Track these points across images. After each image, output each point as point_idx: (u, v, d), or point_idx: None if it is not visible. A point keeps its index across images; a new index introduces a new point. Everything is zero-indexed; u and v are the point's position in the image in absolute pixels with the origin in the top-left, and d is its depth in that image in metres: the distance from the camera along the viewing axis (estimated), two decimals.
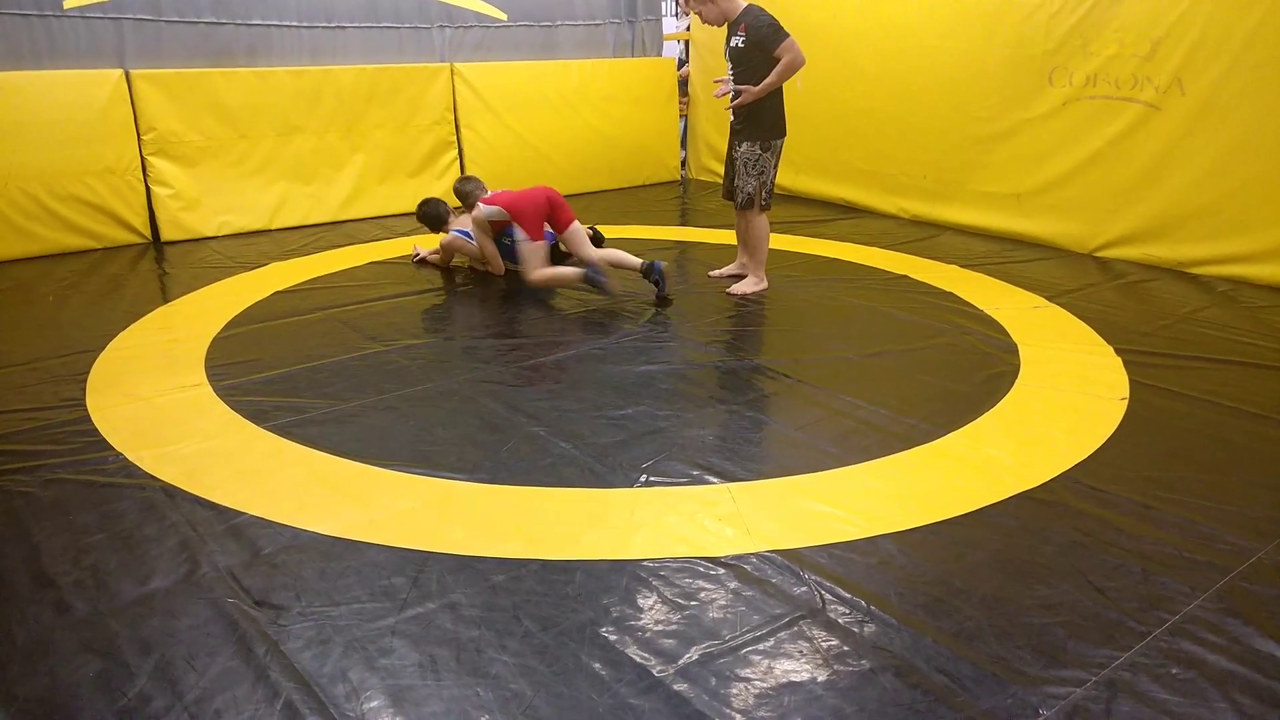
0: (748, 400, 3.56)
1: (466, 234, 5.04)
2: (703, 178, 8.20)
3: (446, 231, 5.18)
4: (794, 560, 2.43)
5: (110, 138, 5.54)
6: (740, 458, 3.04)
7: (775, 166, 4.74)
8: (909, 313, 4.49)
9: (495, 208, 4.70)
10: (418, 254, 5.39)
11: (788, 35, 4.43)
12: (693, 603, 2.26)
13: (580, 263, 4.73)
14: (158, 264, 5.37)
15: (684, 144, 8.33)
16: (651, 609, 2.24)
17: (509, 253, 4.87)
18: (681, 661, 2.05)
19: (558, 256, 4.94)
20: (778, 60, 4.44)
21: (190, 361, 3.80)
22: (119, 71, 5.55)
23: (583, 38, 7.53)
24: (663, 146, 8.01)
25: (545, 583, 2.34)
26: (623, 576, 2.37)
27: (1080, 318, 4.42)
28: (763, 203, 4.73)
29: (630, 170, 7.83)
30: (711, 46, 7.76)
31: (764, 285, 4.83)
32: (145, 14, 5.65)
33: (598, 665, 2.04)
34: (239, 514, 2.65)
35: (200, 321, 4.28)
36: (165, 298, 4.70)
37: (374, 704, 1.93)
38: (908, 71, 6.41)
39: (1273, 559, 2.43)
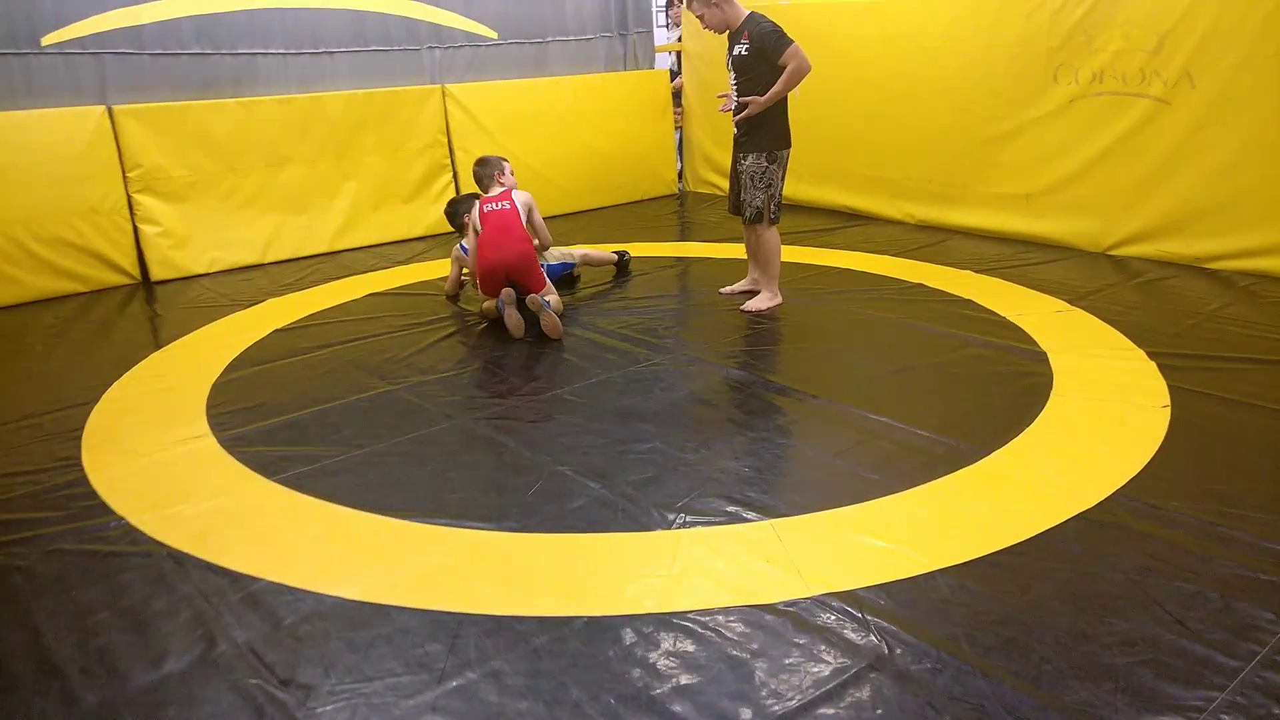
0: (777, 425, 3.42)
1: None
2: (701, 190, 8.08)
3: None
4: (852, 603, 2.29)
5: (94, 176, 5.37)
6: (779, 490, 2.90)
7: (782, 178, 4.61)
8: (930, 323, 4.36)
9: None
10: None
11: (792, 42, 4.31)
12: (752, 658, 2.11)
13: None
14: (148, 305, 5.21)
15: (680, 156, 8.21)
16: (708, 668, 2.09)
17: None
18: None
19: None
20: (782, 68, 4.31)
21: (190, 411, 3.64)
22: (101, 108, 5.39)
23: (574, 53, 7.41)
24: (659, 160, 7.89)
25: (590, 643, 2.19)
26: (673, 632, 2.22)
27: (1104, 321, 4.30)
28: (772, 216, 4.60)
29: (627, 185, 7.70)
30: (705, 57, 7.65)
31: (778, 301, 4.70)
32: (127, 48, 5.50)
33: None
34: (255, 580, 2.50)
35: (198, 366, 4.12)
36: (159, 342, 4.53)
37: None
38: (910, 75, 6.30)
39: None
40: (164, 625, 2.32)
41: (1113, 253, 5.52)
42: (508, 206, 4.56)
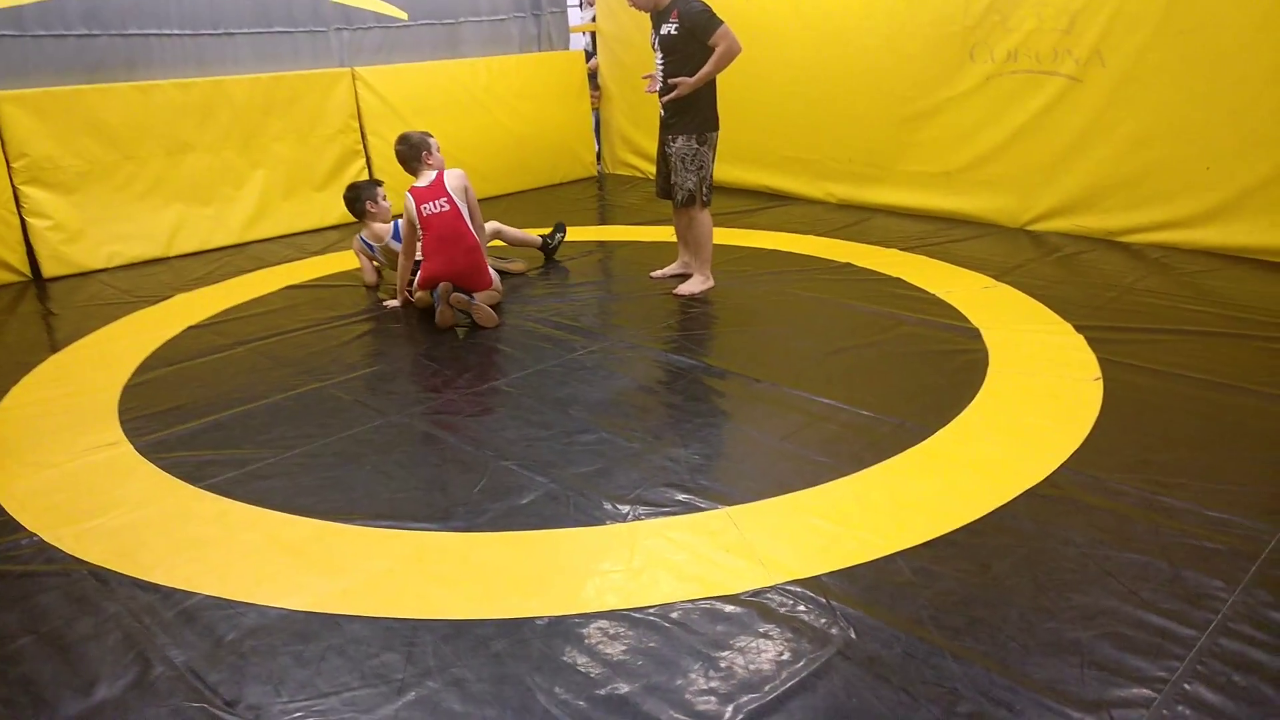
0: (722, 410, 3.40)
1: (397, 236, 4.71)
2: (620, 172, 8.00)
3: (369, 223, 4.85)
4: (816, 590, 2.27)
5: None
6: (730, 476, 2.87)
7: (712, 160, 4.58)
8: (862, 302, 4.40)
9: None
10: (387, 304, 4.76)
11: (722, 23, 4.26)
12: (722, 652, 2.08)
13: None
14: (41, 304, 4.88)
15: (598, 138, 8.11)
16: (677, 664, 2.05)
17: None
18: None
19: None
20: (712, 49, 4.27)
21: (101, 417, 3.41)
22: None
23: (487, 34, 7.23)
24: (577, 142, 7.78)
25: (553, 644, 2.13)
26: (637, 628, 2.17)
27: (1029, 295, 4.41)
28: (704, 198, 4.56)
29: (546, 168, 7.57)
30: (621, 37, 7.56)
31: (710, 284, 4.68)
32: (8, 29, 5.12)
33: None
34: (189, 595, 2.35)
35: (106, 368, 3.88)
36: (56, 343, 4.25)
37: None
38: (829, 55, 6.34)
39: None
40: (92, 649, 2.16)
41: (1031, 228, 5.67)
42: (447, 208, 4.28)
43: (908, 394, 3.40)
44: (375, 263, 4.92)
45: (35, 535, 2.64)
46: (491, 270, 4.51)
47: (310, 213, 6.23)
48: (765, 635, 2.13)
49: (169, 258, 5.64)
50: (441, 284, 4.21)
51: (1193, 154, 5.03)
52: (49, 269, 5.29)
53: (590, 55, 8.11)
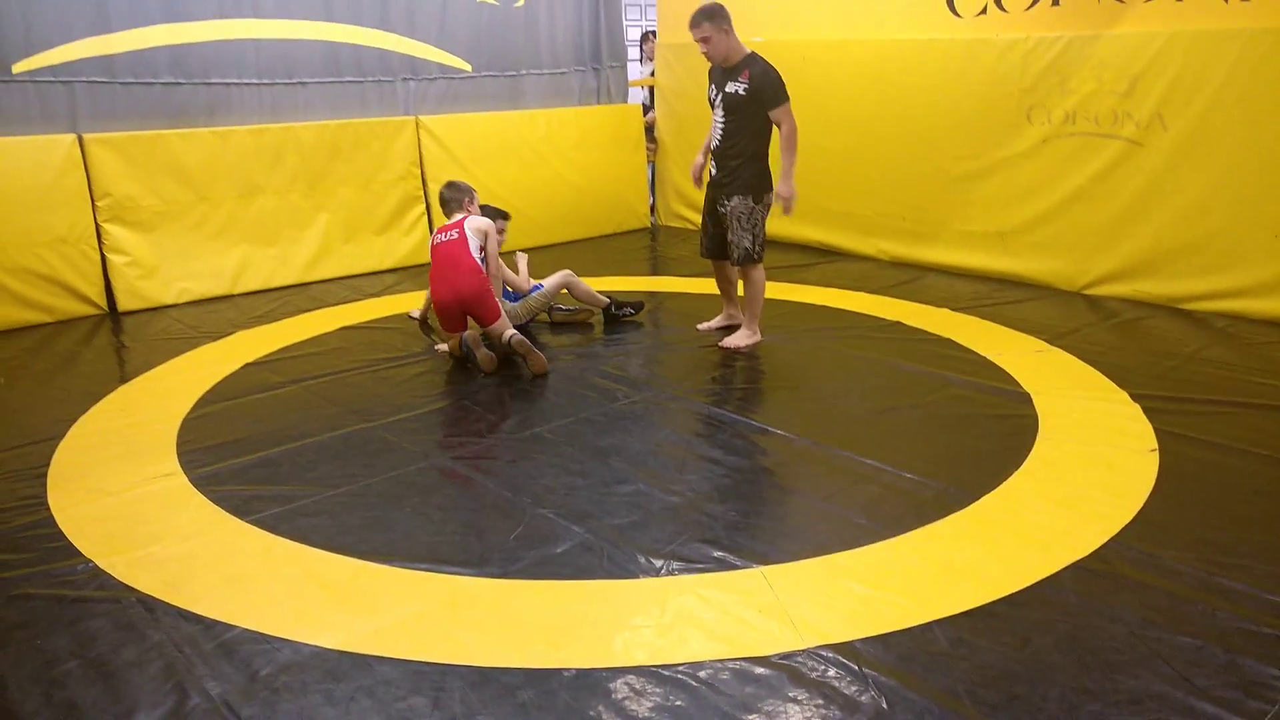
0: (762, 467, 3.38)
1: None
2: (673, 224, 8.07)
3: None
4: (849, 656, 2.23)
5: (63, 205, 5.23)
6: (767, 535, 2.85)
7: (765, 218, 4.61)
8: (911, 362, 4.36)
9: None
10: (413, 314, 5.03)
11: (788, 98, 4.30)
12: (749, 715, 2.05)
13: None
14: (115, 336, 5.06)
15: (652, 190, 8.21)
16: None
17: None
18: None
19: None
20: (770, 120, 4.32)
21: (160, 447, 3.51)
22: (71, 136, 5.26)
23: (548, 87, 7.40)
24: (632, 193, 7.88)
25: (579, 697, 2.11)
26: (664, 685, 2.15)
27: (1084, 361, 4.32)
28: (757, 255, 4.58)
29: (600, 219, 7.67)
30: (678, 91, 7.68)
31: (758, 339, 4.67)
32: (99, 76, 5.39)
33: None
34: (230, 628, 2.39)
35: (168, 400, 4.00)
36: (126, 375, 4.40)
37: None
38: (883, 112, 6.36)
39: None
40: (134, 676, 2.21)
41: (1087, 292, 5.58)
42: (455, 236, 4.40)
43: (953, 458, 3.34)
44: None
45: (90, 561, 2.72)
46: (507, 308, 4.62)
47: (369, 256, 6.39)
48: (794, 700, 2.09)
49: (234, 295, 5.81)
50: (466, 334, 4.29)
51: (1260, 220, 4.92)
52: (124, 303, 5.49)
53: (648, 109, 8.25)
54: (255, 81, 5.97)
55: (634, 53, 9.26)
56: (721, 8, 4.35)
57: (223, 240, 5.83)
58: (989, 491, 3.04)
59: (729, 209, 4.53)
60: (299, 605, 2.49)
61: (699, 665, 2.21)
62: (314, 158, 6.12)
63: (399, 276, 6.27)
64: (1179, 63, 5.06)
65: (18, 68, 5.13)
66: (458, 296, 4.33)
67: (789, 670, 2.19)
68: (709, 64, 4.51)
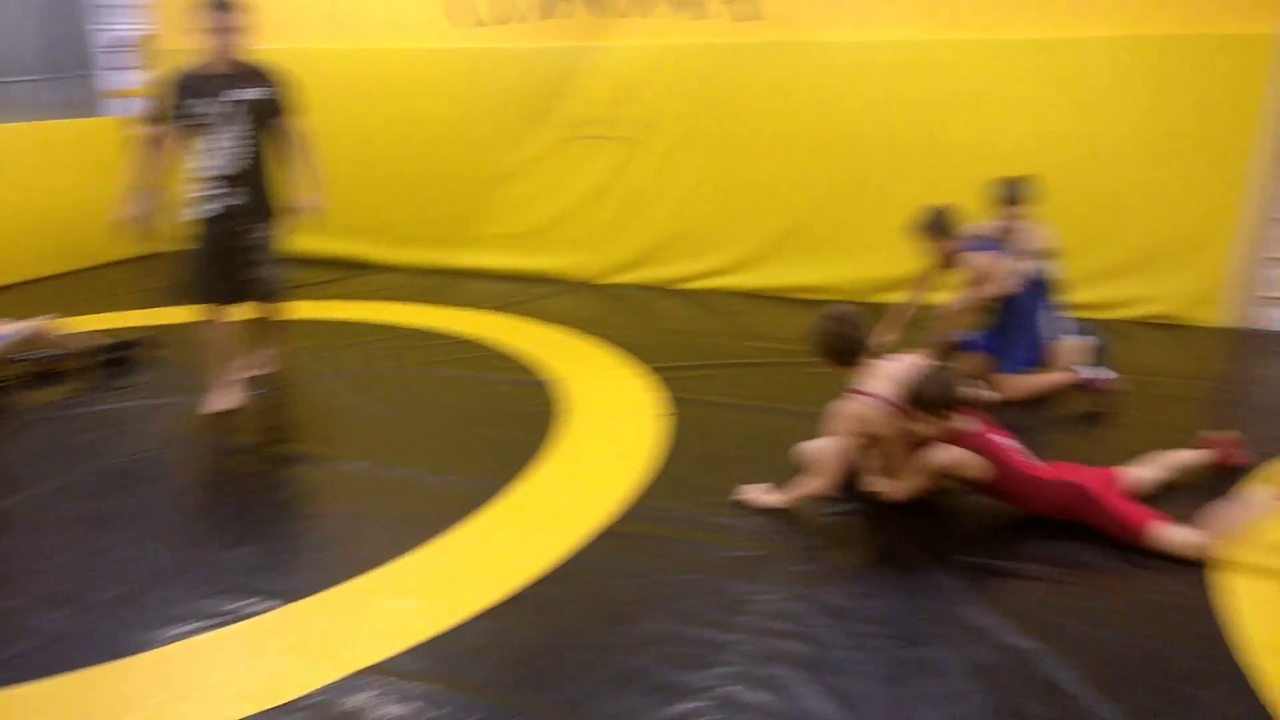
0: (288, 498, 3.20)
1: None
2: (163, 250, 7.33)
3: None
4: (388, 674, 2.17)
5: None
6: (292, 569, 2.69)
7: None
8: (442, 367, 4.42)
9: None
10: None
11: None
12: None
13: None
14: None
15: (142, 213, 7.38)
16: None
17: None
18: None
19: None
20: (279, 127, 3.88)
21: None
22: None
23: (10, 97, 6.36)
24: (109, 217, 7.02)
25: None
26: None
27: (607, 343, 4.71)
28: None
29: (82, 248, 6.74)
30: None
31: (275, 367, 4.39)
32: None
33: None
34: None
35: None
36: None
37: None
38: (407, 122, 6.39)
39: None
40: None
41: (605, 282, 6.12)
42: None
43: (486, 453, 3.44)
44: None
45: None
46: None
47: None
48: None
49: None
50: None
51: (727, 212, 5.80)
52: None
53: (136, 122, 7.41)
54: None
55: (114, 60, 8.26)
56: None
57: None
58: (520, 479, 3.17)
59: (257, 240, 3.96)
60: None
61: None
62: None
63: None
64: (665, 75, 5.74)
65: None
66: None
67: (320, 708, 2.07)
68: (200, 68, 3.77)
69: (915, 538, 2.78)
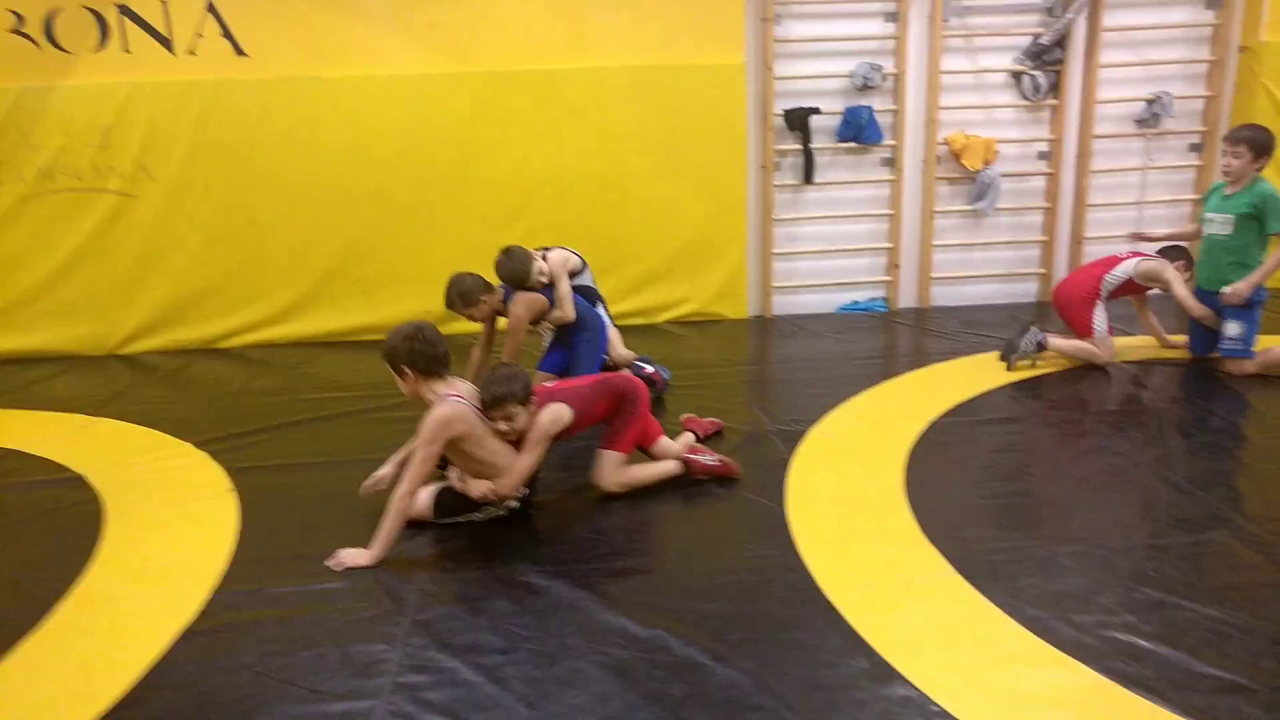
0: None
1: None
2: None
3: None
4: None
5: None
6: None
7: None
8: None
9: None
10: None
11: None
12: None
13: None
14: None
15: None
16: None
17: None
18: None
19: None
20: None
21: None
22: None
23: None
24: None
25: None
26: None
27: (137, 423, 4.18)
28: None
29: None
30: None
31: None
32: None
33: None
34: None
35: None
36: None
37: None
38: None
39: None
40: None
41: (122, 351, 5.42)
42: None
43: (11, 574, 2.87)
44: None
45: None
46: None
47: None
48: None
49: None
50: None
51: (262, 258, 5.43)
52: None
53: None
54: None
55: None
56: None
57: None
58: (65, 598, 2.69)
59: None
60: None
61: None
62: None
63: None
64: (146, 115, 5.20)
65: None
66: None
67: None
68: None
69: (523, 554, 2.85)
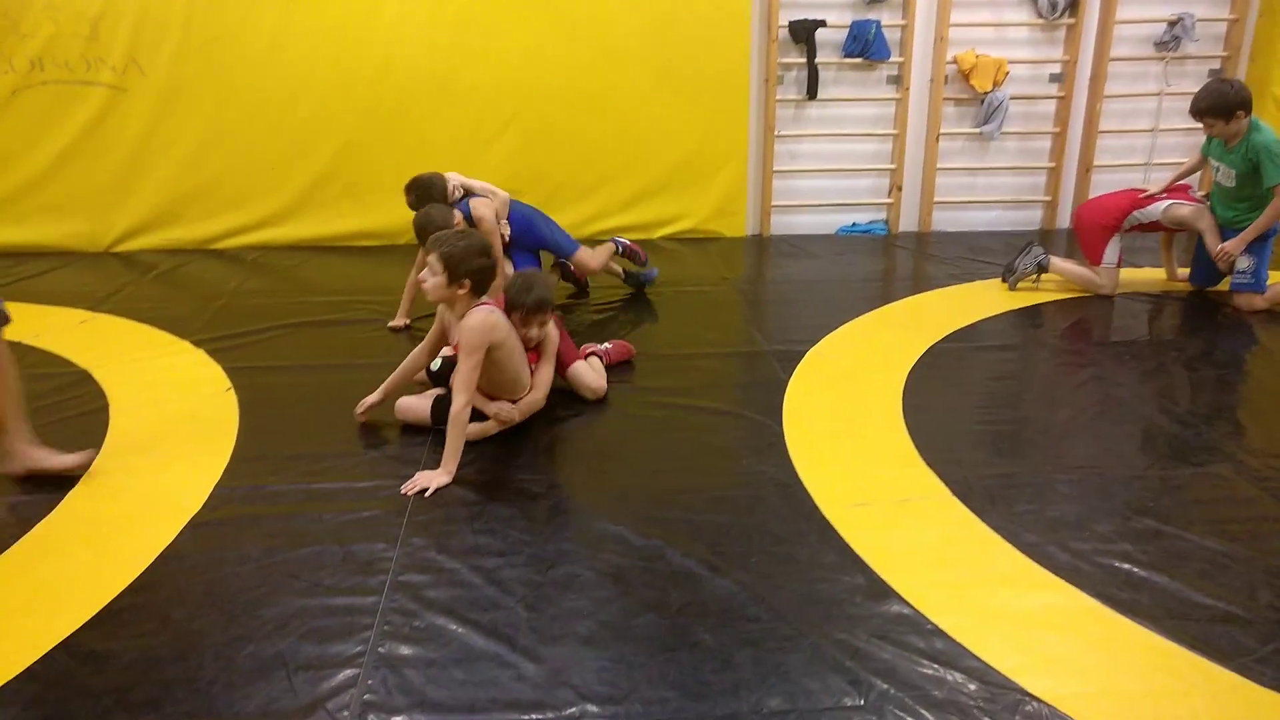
0: None
1: None
2: None
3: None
4: None
5: None
6: None
7: None
8: None
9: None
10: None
11: None
12: None
13: None
14: None
15: None
16: None
17: None
18: None
19: None
20: None
21: None
22: None
23: None
24: None
25: None
26: None
27: (137, 320, 4.22)
28: None
29: None
30: None
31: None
32: None
33: None
34: None
35: None
36: None
37: None
38: None
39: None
40: None
41: (117, 249, 5.43)
42: None
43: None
44: None
45: None
46: None
47: None
48: None
49: None
50: None
51: (254, 160, 5.40)
52: None
53: None
54: None
55: None
56: None
57: None
58: (71, 488, 2.76)
59: None
60: None
61: None
62: None
63: None
64: (136, 6, 5.10)
65: None
66: None
67: None
68: None
69: (520, 463, 2.92)
